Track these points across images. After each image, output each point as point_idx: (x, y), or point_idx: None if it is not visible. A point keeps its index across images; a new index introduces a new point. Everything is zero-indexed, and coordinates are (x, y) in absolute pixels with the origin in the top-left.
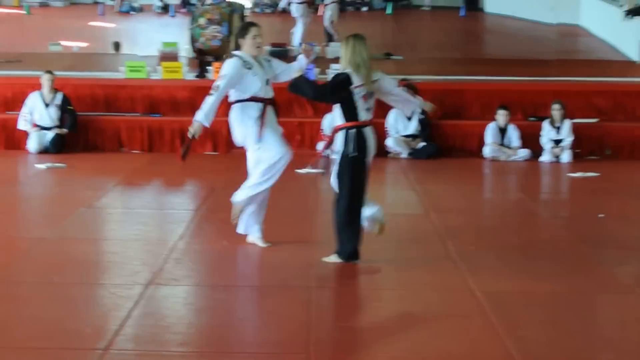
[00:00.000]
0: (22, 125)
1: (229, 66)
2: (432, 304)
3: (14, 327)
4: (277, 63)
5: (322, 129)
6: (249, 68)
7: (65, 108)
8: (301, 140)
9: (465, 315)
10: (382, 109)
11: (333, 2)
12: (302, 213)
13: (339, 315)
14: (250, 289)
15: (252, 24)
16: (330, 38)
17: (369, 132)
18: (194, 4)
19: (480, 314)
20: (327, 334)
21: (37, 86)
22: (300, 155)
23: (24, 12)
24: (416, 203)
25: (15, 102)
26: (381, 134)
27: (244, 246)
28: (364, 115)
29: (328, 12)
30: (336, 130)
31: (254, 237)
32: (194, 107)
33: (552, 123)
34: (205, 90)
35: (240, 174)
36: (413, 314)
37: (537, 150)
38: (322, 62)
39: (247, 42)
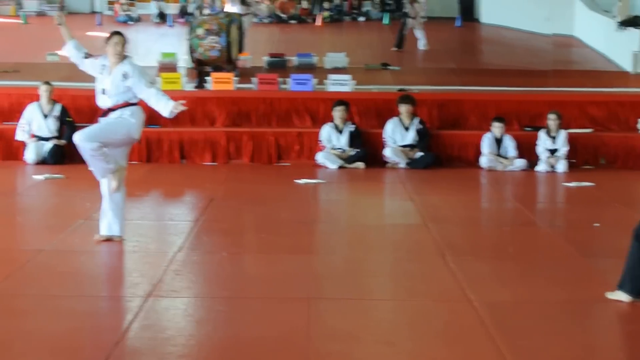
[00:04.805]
0: (19, 135)
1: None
2: (430, 314)
3: (13, 341)
4: (135, 80)
5: (320, 140)
6: (101, 73)
7: (64, 119)
8: (300, 151)
9: (463, 325)
10: (380, 119)
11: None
12: (301, 224)
13: (337, 326)
14: (249, 301)
15: (116, 33)
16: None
17: None
18: (192, 14)
19: (478, 324)
20: (326, 346)
21: (34, 97)
22: (299, 165)
23: (21, 21)
24: (414, 213)
25: (13, 113)
26: (379, 144)
27: (243, 257)
28: None
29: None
30: None
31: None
32: (192, 117)
33: (547, 133)
34: (204, 101)
35: (239, 184)
36: (410, 325)
37: (533, 160)
38: (320, 72)
39: (109, 50)
